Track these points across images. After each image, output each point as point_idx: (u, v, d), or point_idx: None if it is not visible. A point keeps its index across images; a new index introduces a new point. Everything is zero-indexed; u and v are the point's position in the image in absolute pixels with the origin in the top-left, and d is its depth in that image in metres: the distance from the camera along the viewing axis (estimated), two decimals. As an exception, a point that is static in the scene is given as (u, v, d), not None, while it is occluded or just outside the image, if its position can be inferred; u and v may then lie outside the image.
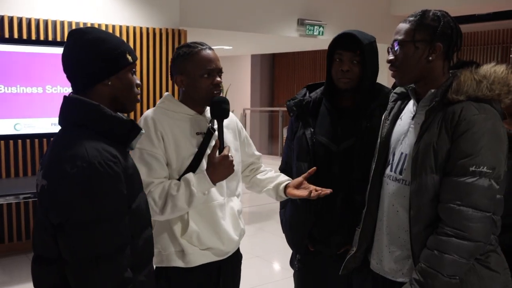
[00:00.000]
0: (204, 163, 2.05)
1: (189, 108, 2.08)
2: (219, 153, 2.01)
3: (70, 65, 1.54)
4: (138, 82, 1.64)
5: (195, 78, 2.02)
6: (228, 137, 2.17)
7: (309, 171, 2.15)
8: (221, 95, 2.15)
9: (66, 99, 1.55)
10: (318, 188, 2.07)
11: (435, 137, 1.68)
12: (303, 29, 7.32)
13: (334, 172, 2.20)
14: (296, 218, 2.27)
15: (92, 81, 1.53)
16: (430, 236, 1.69)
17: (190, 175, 1.98)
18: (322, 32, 7.44)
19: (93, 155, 1.43)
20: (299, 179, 2.17)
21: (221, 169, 1.99)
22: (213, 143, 2.08)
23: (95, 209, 1.42)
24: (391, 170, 1.87)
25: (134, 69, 1.61)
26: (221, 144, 2.02)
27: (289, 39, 7.73)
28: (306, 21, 7.28)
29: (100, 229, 1.43)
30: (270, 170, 2.38)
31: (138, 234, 1.58)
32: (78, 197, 1.41)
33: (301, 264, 2.34)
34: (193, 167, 2.03)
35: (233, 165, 2.03)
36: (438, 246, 1.65)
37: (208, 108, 2.14)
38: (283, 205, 2.40)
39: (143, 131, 1.63)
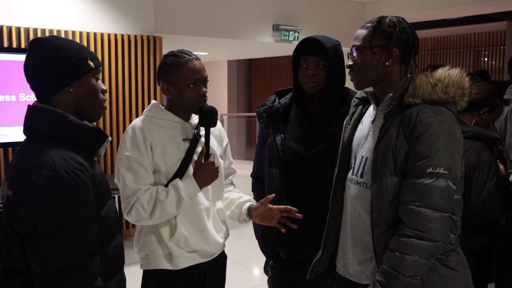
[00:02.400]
0: (191, 168, 2.10)
1: (175, 115, 2.12)
2: (205, 160, 2.07)
3: (32, 74, 1.54)
4: (104, 88, 1.63)
5: (181, 88, 2.06)
6: (213, 143, 2.21)
7: (268, 197, 2.16)
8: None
9: (30, 108, 1.55)
10: (282, 208, 2.13)
11: (394, 140, 1.72)
12: (278, 34, 7.36)
13: (306, 177, 2.21)
14: (267, 225, 2.27)
15: (54, 88, 1.53)
16: (391, 238, 1.72)
17: (178, 181, 2.04)
18: (297, 37, 7.49)
19: (60, 164, 1.42)
20: (258, 205, 2.19)
21: (206, 174, 2.06)
22: (199, 149, 2.13)
23: (63, 218, 1.41)
24: (352, 174, 1.90)
25: (97, 75, 1.61)
26: (207, 151, 2.08)
27: (264, 45, 7.76)
28: (281, 26, 7.32)
29: (68, 238, 1.42)
30: (233, 190, 2.39)
31: (108, 241, 1.58)
32: (45, 206, 1.40)
33: (274, 270, 2.35)
34: (180, 172, 2.08)
35: (218, 171, 2.11)
36: (399, 247, 1.68)
37: (194, 115, 2.19)
38: None
39: (109, 138, 1.63)
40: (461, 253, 1.82)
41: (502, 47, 9.82)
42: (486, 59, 10.11)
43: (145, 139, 2.04)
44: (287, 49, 8.24)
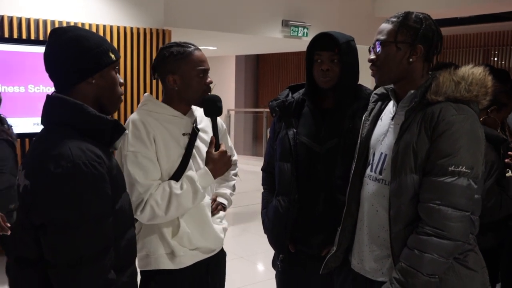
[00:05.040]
0: (191, 164, 2.06)
1: (173, 109, 2.08)
2: (216, 150, 2.05)
3: (52, 64, 1.53)
4: (122, 81, 1.63)
5: (191, 77, 2.03)
6: (205, 138, 2.17)
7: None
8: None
9: (49, 98, 1.54)
10: None
11: (415, 137, 1.70)
12: (287, 30, 7.34)
13: (316, 172, 2.21)
14: (277, 219, 2.28)
15: (75, 79, 1.52)
16: (410, 235, 1.71)
17: (191, 173, 2.01)
18: (307, 34, 7.47)
19: (78, 155, 1.41)
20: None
21: (220, 164, 2.05)
22: (198, 143, 2.10)
23: (80, 209, 1.41)
24: (371, 170, 1.88)
25: (117, 67, 1.60)
26: (216, 141, 2.06)
27: (273, 40, 7.74)
28: (291, 22, 7.30)
29: (84, 230, 1.42)
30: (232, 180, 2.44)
31: (121, 235, 1.57)
32: (62, 197, 1.40)
33: (283, 264, 2.35)
34: (182, 168, 2.04)
35: (231, 161, 2.10)
36: (418, 245, 1.67)
37: (192, 109, 2.15)
38: (264, 205, 2.41)
39: (127, 131, 1.62)
40: (479, 253, 1.81)
41: (512, 47, 9.76)
42: (496, 58, 10.05)
43: (148, 132, 1.99)
44: (296, 45, 8.22)
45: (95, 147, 1.48)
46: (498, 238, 2.68)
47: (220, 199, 2.29)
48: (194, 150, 2.09)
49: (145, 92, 5.71)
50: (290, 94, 2.36)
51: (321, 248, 2.22)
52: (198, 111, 2.20)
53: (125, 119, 5.57)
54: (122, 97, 1.65)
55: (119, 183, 1.57)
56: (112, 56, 1.57)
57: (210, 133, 2.16)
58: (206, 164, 2.05)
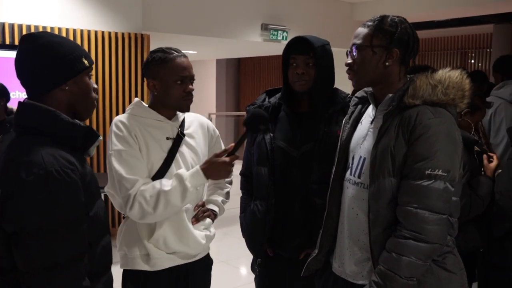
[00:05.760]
0: (173, 167, 2.06)
1: (158, 114, 2.09)
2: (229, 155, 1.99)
3: (24, 71, 1.51)
4: (95, 86, 1.62)
5: (168, 84, 2.03)
6: (199, 142, 2.18)
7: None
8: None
9: (21, 104, 1.52)
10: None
11: (393, 141, 1.71)
12: (267, 33, 7.36)
13: (293, 176, 2.22)
14: (255, 223, 2.28)
15: (48, 86, 1.50)
16: (388, 239, 1.72)
17: (182, 171, 1.99)
18: (286, 37, 7.50)
19: (50, 162, 1.40)
20: None
21: (219, 169, 1.98)
22: (183, 148, 2.10)
23: (53, 217, 1.39)
24: (350, 174, 1.89)
25: (90, 73, 1.59)
26: (233, 150, 2.00)
27: (253, 44, 7.76)
28: (270, 26, 7.32)
29: (57, 238, 1.40)
30: (224, 188, 2.39)
31: (96, 241, 1.56)
32: (35, 205, 1.38)
33: (261, 268, 2.36)
34: (162, 171, 2.04)
35: (231, 172, 2.03)
36: (396, 248, 1.67)
37: (177, 114, 2.16)
38: (243, 209, 2.41)
39: (100, 137, 1.61)
40: (458, 255, 1.82)
41: (488, 50, 9.90)
42: (473, 61, 10.20)
43: (130, 131, 2.00)
44: (276, 48, 8.25)
45: (68, 154, 1.47)
46: (484, 240, 2.71)
47: (211, 206, 2.26)
48: (178, 155, 2.08)
49: (123, 96, 5.67)
50: (267, 99, 2.37)
51: (298, 251, 2.23)
52: (188, 117, 2.21)
53: (104, 124, 5.53)
54: (96, 102, 1.64)
55: (93, 189, 1.56)
56: (86, 62, 1.55)
57: (198, 139, 2.16)
58: (205, 162, 2.00)
